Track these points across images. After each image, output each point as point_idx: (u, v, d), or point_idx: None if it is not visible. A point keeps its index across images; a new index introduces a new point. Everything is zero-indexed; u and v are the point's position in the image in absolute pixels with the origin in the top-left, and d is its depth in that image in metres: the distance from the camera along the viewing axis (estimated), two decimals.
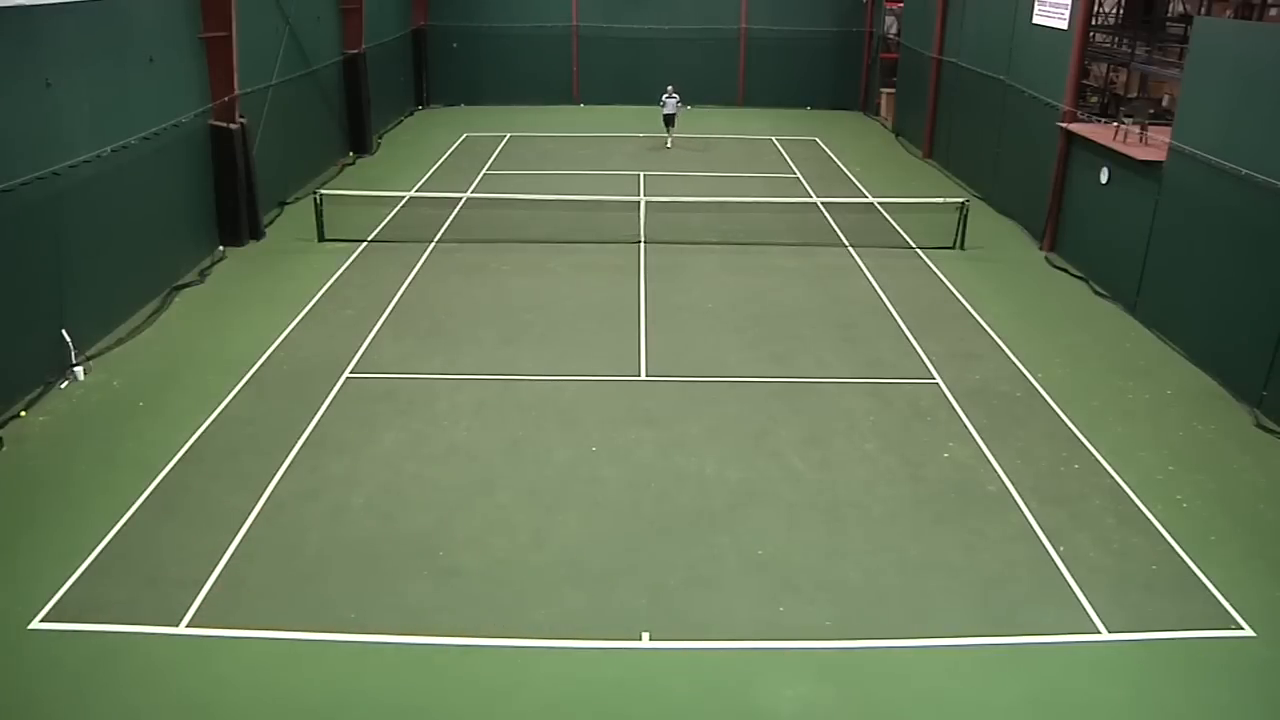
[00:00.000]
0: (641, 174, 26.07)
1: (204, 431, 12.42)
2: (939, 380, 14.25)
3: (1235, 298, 14.20)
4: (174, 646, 8.76)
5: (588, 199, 21.75)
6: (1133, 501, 11.26)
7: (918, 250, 20.25)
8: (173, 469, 11.55)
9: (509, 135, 31.28)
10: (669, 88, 29.88)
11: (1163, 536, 10.61)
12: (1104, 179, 18.33)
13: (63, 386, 13.55)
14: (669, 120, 29.64)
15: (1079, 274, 18.95)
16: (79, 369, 13.85)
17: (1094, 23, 19.90)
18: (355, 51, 27.63)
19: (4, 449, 11.88)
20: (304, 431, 12.46)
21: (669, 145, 30.00)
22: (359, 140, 28.09)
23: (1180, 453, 12.40)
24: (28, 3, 13.16)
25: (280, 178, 22.28)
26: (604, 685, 8.46)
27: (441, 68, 37.27)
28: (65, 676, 8.39)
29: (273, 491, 11.11)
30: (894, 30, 34.73)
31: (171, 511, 10.72)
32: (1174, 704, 8.33)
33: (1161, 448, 12.49)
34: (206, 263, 18.63)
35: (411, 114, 35.49)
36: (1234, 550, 10.40)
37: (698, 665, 8.71)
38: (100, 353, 14.58)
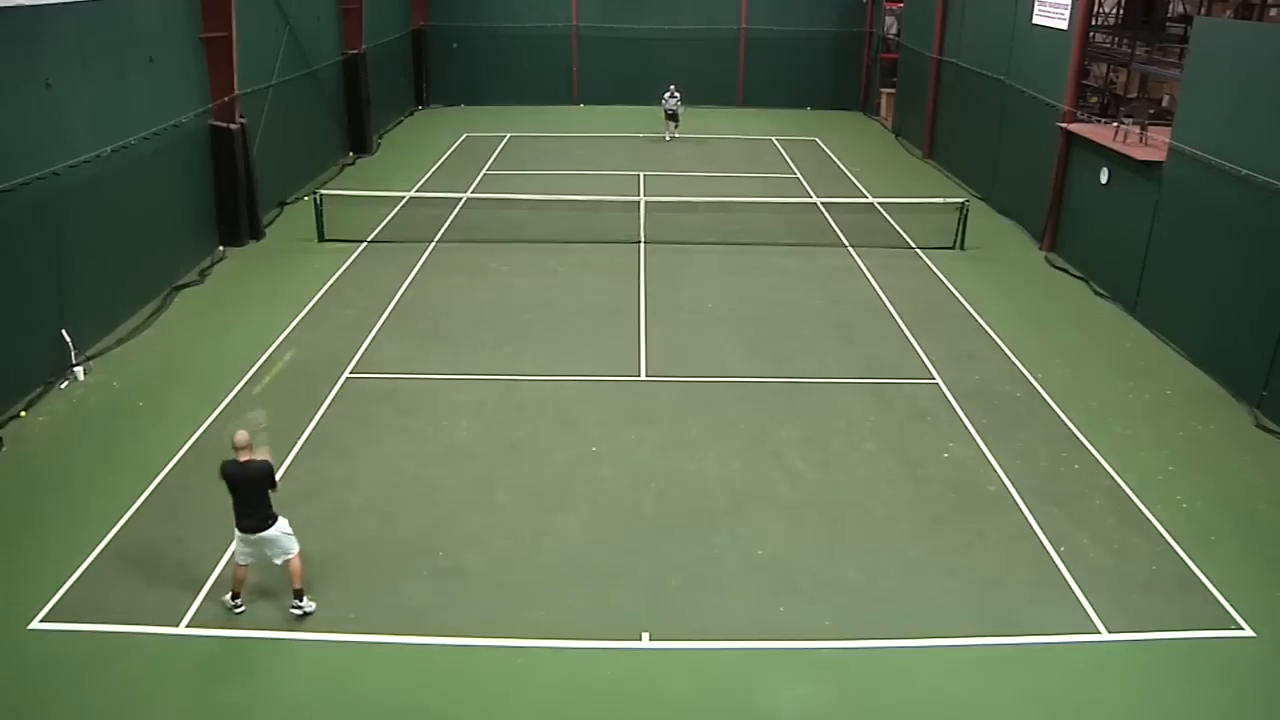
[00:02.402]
0: (641, 174, 26.07)
1: (204, 431, 12.42)
2: (939, 380, 14.25)
3: (1235, 298, 14.20)
4: (174, 646, 8.76)
5: (588, 199, 21.75)
6: (1133, 501, 11.26)
7: (918, 250, 20.25)
8: (173, 469, 11.56)
9: (509, 135, 31.28)
10: (670, 86, 30.73)
11: (1163, 536, 10.61)
12: (1104, 179, 18.33)
13: (63, 386, 13.55)
14: (671, 115, 30.60)
15: (1079, 274, 18.96)
16: (79, 369, 13.85)
17: (1094, 23, 19.90)
18: (355, 51, 27.64)
19: (4, 449, 11.88)
20: (304, 431, 12.46)
21: (668, 139, 30.69)
22: (359, 140, 28.10)
23: (1180, 453, 12.40)
24: (28, 3, 13.16)
25: (280, 178, 22.28)
26: (604, 685, 8.47)
27: (441, 68, 37.27)
28: (65, 676, 8.39)
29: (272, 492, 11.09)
30: (894, 30, 34.73)
31: (171, 511, 10.73)
32: (1174, 704, 8.34)
33: (1161, 448, 12.49)
34: (206, 263, 18.63)
35: (411, 114, 35.50)
36: (1234, 550, 10.40)
37: (698, 665, 8.71)
38: (100, 353, 14.58)
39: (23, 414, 12.73)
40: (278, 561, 9.09)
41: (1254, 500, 11.38)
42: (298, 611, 9.06)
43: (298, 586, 9.09)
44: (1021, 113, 22.18)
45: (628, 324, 16.12)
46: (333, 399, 13.37)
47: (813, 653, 8.86)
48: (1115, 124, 18.36)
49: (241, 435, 8.86)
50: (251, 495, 8.90)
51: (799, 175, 26.69)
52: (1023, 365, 14.78)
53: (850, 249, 20.21)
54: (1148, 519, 10.93)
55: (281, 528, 9.04)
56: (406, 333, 15.66)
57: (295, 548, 9.11)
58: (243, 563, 9.10)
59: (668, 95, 30.54)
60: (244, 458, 8.83)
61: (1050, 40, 20.65)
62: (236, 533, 9.05)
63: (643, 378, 14.26)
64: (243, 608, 9.18)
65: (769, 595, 9.59)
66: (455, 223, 21.44)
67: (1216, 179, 14.72)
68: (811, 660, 8.78)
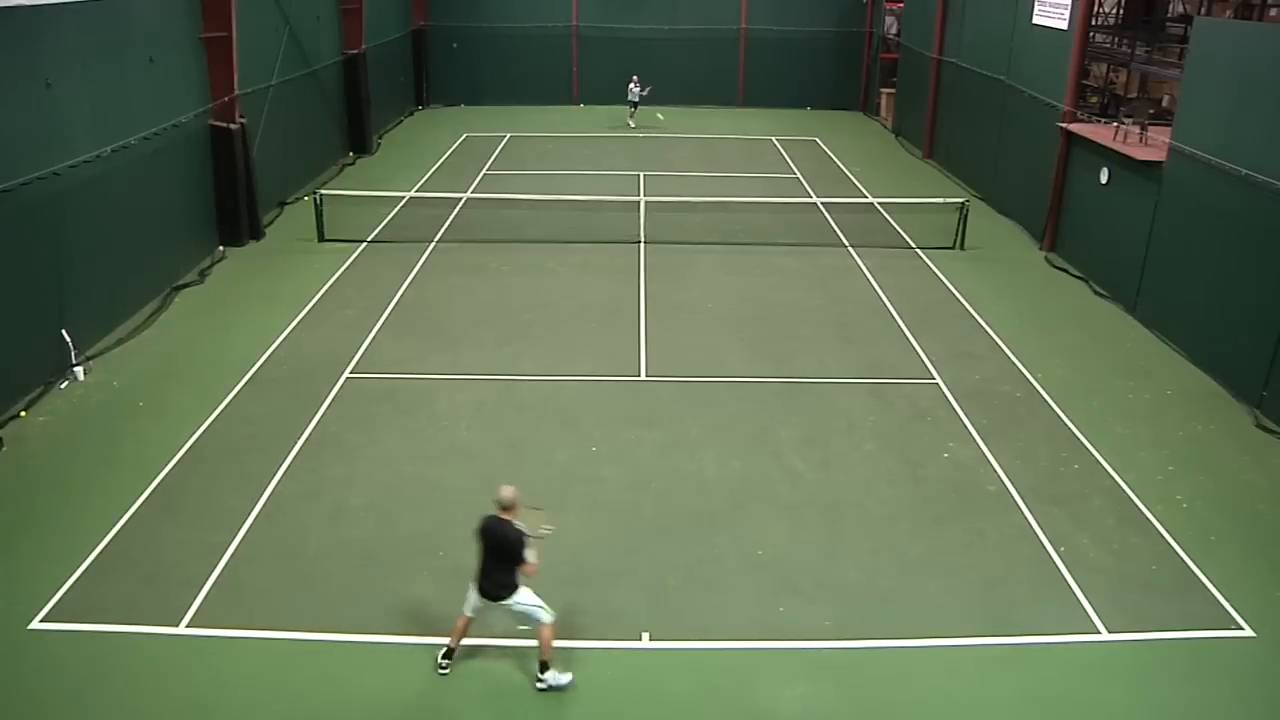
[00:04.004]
0: (641, 174, 26.07)
1: (204, 431, 12.42)
2: (939, 380, 14.25)
3: (1235, 298, 14.20)
4: (174, 646, 8.76)
5: (588, 199, 21.75)
6: (1133, 501, 11.26)
7: (918, 250, 20.25)
8: (173, 469, 11.55)
9: (509, 135, 31.28)
10: (634, 77, 32.58)
11: (1163, 536, 10.61)
12: (1104, 179, 18.33)
13: (63, 386, 13.55)
14: (634, 105, 32.48)
15: (1079, 274, 18.95)
16: (79, 369, 13.85)
17: (1094, 23, 19.90)
18: (355, 51, 27.63)
19: (4, 449, 11.88)
20: (304, 431, 12.46)
21: (631, 125, 32.46)
22: (359, 140, 28.09)
23: (1180, 453, 12.40)
24: (28, 2, 13.16)
25: (280, 178, 22.28)
26: (604, 685, 8.46)
27: (441, 68, 37.27)
28: (65, 676, 8.39)
29: (273, 491, 11.11)
30: (894, 30, 34.73)
31: (171, 511, 10.72)
32: (1174, 704, 8.34)
33: (1161, 448, 12.49)
34: (206, 263, 18.63)
35: (411, 114, 35.50)
36: (1234, 550, 10.40)
37: (698, 665, 8.71)
38: (100, 353, 14.58)
39: (23, 414, 12.73)
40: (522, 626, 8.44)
41: (1254, 500, 11.38)
42: (541, 685, 8.32)
43: (542, 659, 8.34)
44: (1021, 113, 22.18)
45: (628, 324, 16.11)
46: (333, 399, 13.37)
47: (813, 653, 8.86)
48: (1115, 124, 18.36)
49: (509, 492, 8.14)
50: (496, 557, 8.16)
51: (799, 175, 26.68)
52: (1023, 365, 14.77)
53: (850, 249, 20.20)
54: (1148, 519, 10.93)
55: (522, 600, 8.23)
56: (406, 333, 15.66)
57: (545, 619, 8.27)
58: (468, 613, 8.39)
59: (632, 85, 32.12)
60: (505, 516, 8.14)
61: (1050, 40, 20.65)
62: (471, 589, 8.37)
63: (643, 378, 14.25)
64: (448, 670, 8.48)
65: (769, 595, 9.58)
66: (455, 223, 21.44)
67: (1216, 179, 14.72)
68: (811, 660, 8.77)
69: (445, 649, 8.53)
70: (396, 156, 28.35)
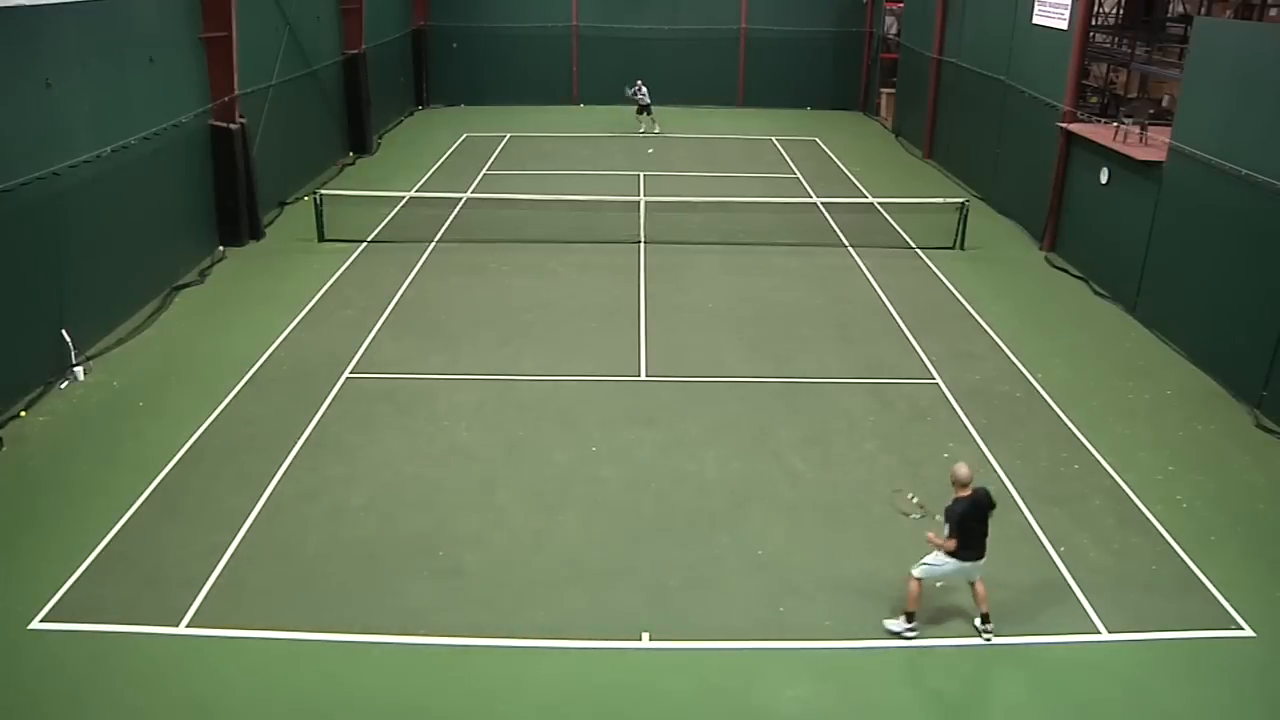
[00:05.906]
0: (641, 174, 26.07)
1: (204, 431, 12.42)
2: (939, 380, 14.24)
3: (1235, 298, 14.20)
4: (174, 646, 8.76)
5: (588, 199, 21.75)
6: (1133, 501, 11.25)
7: (918, 250, 20.25)
8: (173, 469, 11.56)
9: (509, 135, 31.28)
10: (638, 82, 31.61)
11: (1163, 536, 10.61)
12: (1104, 179, 18.33)
13: (63, 386, 13.55)
14: (644, 109, 31.71)
15: (1079, 274, 18.95)
16: (79, 369, 13.85)
17: (1094, 23, 19.89)
18: (355, 51, 27.63)
19: (4, 449, 11.88)
20: (304, 432, 12.46)
21: (643, 131, 31.74)
22: (359, 140, 28.09)
23: (1180, 453, 12.39)
24: (28, 2, 13.16)
25: (280, 178, 22.28)
26: (604, 685, 8.47)
27: (441, 68, 37.26)
28: (65, 676, 8.39)
29: (273, 491, 11.11)
30: (894, 30, 34.73)
31: (171, 511, 10.72)
32: (1174, 704, 8.34)
33: (1161, 448, 12.49)
34: (206, 263, 18.63)
35: (411, 114, 35.49)
36: (1234, 550, 10.40)
37: (698, 665, 8.71)
38: (100, 353, 14.58)
39: (23, 414, 12.73)
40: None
41: (1254, 500, 11.38)
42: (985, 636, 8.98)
43: (982, 611, 9.06)
44: (1021, 113, 22.17)
45: (628, 324, 16.11)
46: (333, 399, 13.37)
47: (813, 653, 8.86)
48: (1115, 124, 18.36)
49: (963, 470, 8.85)
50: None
51: (799, 175, 26.68)
52: (1023, 365, 14.77)
53: (850, 249, 20.20)
54: (1148, 519, 10.93)
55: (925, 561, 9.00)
56: (406, 333, 15.66)
57: (915, 573, 8.99)
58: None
59: (634, 92, 31.48)
60: (960, 493, 8.79)
61: (1050, 40, 20.65)
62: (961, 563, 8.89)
63: (643, 378, 14.25)
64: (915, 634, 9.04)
65: (769, 595, 9.58)
66: (455, 223, 21.44)
67: (1216, 179, 14.72)
68: (811, 660, 8.78)
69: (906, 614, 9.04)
70: (396, 156, 28.35)
